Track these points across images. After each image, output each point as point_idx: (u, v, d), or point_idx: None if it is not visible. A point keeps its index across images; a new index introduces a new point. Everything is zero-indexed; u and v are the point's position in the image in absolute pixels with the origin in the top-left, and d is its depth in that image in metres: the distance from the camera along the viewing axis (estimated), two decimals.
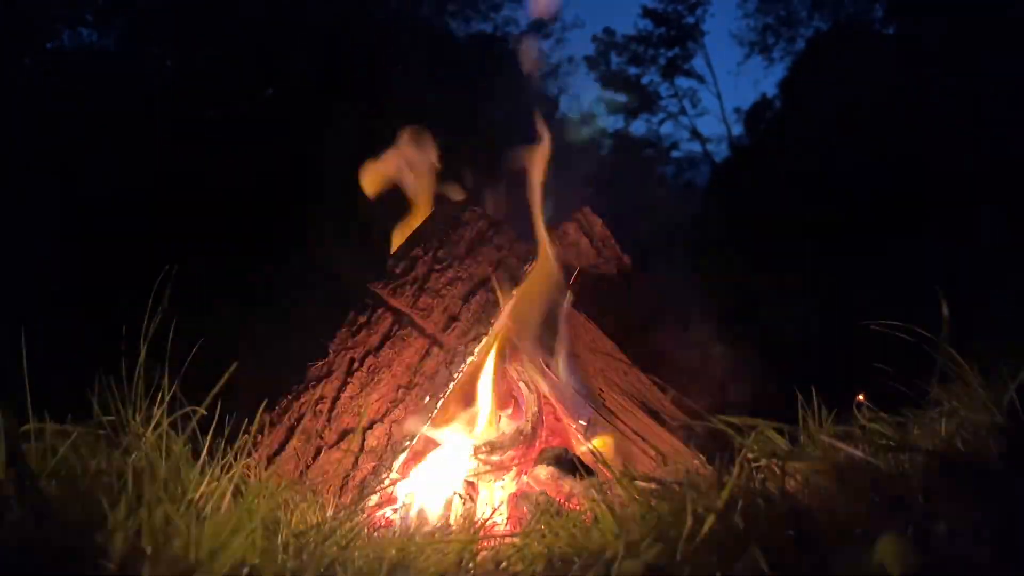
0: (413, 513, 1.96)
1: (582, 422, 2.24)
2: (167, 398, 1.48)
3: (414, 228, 2.36)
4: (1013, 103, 7.98)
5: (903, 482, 1.03)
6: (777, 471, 1.19)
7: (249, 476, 1.67)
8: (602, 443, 2.12)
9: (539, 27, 20.44)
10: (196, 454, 1.47)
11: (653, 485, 1.26)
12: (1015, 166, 6.88)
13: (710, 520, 1.03)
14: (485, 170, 2.60)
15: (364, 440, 2.02)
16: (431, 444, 2.22)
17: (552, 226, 2.53)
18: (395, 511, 2.04)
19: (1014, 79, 8.29)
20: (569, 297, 2.54)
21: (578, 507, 1.88)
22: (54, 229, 6.51)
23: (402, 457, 2.07)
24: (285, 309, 4.87)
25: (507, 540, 1.37)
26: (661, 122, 23.34)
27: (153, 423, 1.42)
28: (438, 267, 2.20)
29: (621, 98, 23.04)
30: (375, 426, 2.04)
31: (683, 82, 23.26)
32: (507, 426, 2.30)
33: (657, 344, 2.91)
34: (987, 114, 8.18)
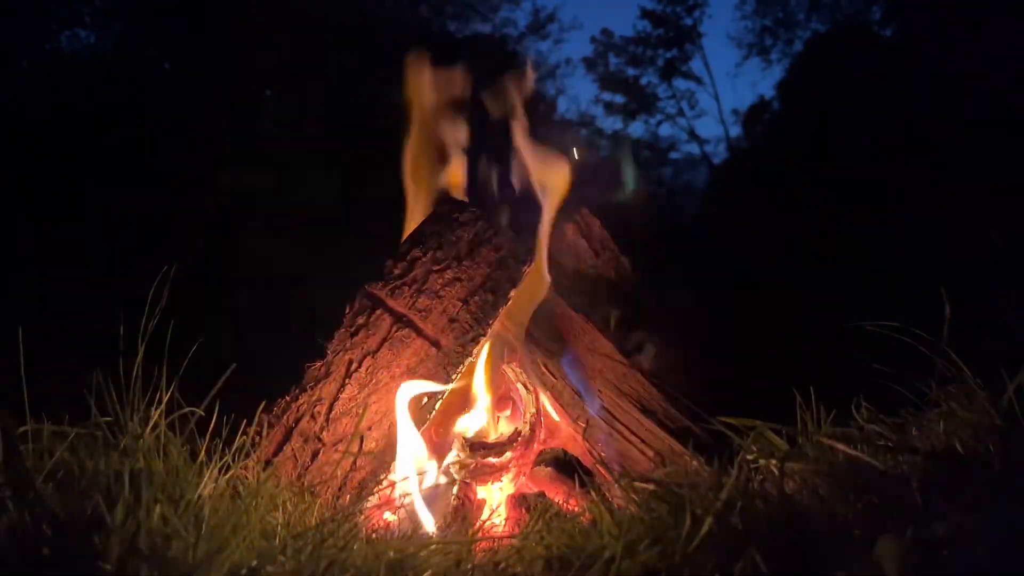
0: (411, 515, 1.96)
1: (581, 423, 2.24)
2: (165, 399, 1.48)
3: (414, 226, 2.36)
4: (1012, 102, 7.99)
5: (901, 483, 1.03)
6: (776, 472, 1.19)
7: (247, 478, 1.67)
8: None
9: (537, 28, 20.47)
10: (194, 455, 1.46)
11: (652, 486, 1.25)
12: (1014, 165, 6.89)
13: (709, 521, 1.03)
14: (486, 169, 2.60)
15: (362, 442, 2.02)
16: (429, 445, 2.22)
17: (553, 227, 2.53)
18: (393, 513, 2.04)
19: (1012, 78, 8.30)
20: (567, 297, 2.54)
21: (577, 508, 1.88)
22: (51, 229, 6.50)
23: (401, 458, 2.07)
24: (284, 309, 4.86)
25: (506, 541, 1.37)
26: (659, 123, 23.39)
27: (151, 424, 1.42)
28: (437, 268, 2.19)
29: (619, 99, 23.08)
30: (373, 428, 2.04)
31: (681, 84, 23.30)
32: (505, 427, 2.30)
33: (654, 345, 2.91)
34: (986, 114, 8.20)
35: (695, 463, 1.65)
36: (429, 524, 1.86)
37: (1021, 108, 7.83)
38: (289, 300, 5.08)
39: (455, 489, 2.06)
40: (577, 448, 2.25)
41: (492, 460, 2.13)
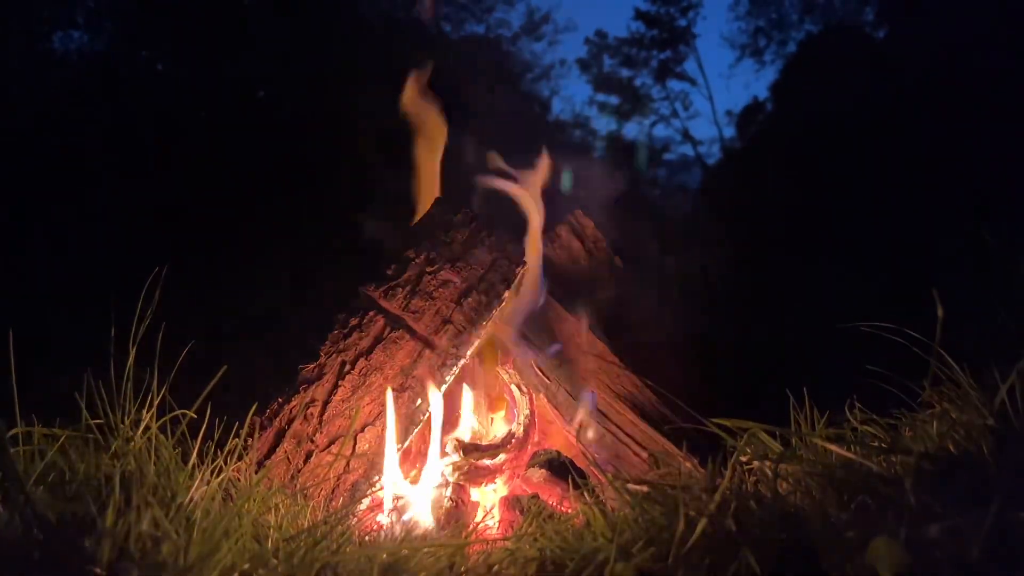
0: (404, 517, 1.95)
1: (574, 425, 2.24)
2: (156, 402, 1.47)
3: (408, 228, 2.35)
4: (1005, 101, 8.03)
5: (895, 484, 1.03)
6: (769, 473, 1.19)
7: (239, 480, 1.66)
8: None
9: (532, 29, 20.50)
10: (185, 458, 1.46)
11: (645, 488, 1.25)
12: (1006, 167, 6.92)
13: (702, 523, 1.02)
14: (479, 171, 2.59)
15: (355, 443, 2.01)
16: (423, 447, 2.22)
17: (545, 228, 2.53)
18: (387, 515, 2.03)
19: (1006, 79, 8.34)
20: (561, 298, 2.54)
21: (570, 510, 1.88)
22: (43, 230, 6.47)
23: (394, 460, 2.06)
24: (277, 311, 4.85)
25: (499, 544, 1.36)
26: (653, 124, 23.44)
27: (142, 427, 1.41)
28: (430, 269, 2.19)
29: (613, 100, 23.14)
30: (367, 429, 2.03)
31: (675, 85, 23.38)
32: (499, 429, 2.29)
33: (648, 346, 2.91)
34: (979, 114, 8.23)
35: (689, 464, 1.65)
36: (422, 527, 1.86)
37: (1014, 107, 7.86)
38: (282, 301, 5.06)
39: (449, 491, 2.05)
40: (571, 450, 2.25)
41: (486, 462, 2.12)
